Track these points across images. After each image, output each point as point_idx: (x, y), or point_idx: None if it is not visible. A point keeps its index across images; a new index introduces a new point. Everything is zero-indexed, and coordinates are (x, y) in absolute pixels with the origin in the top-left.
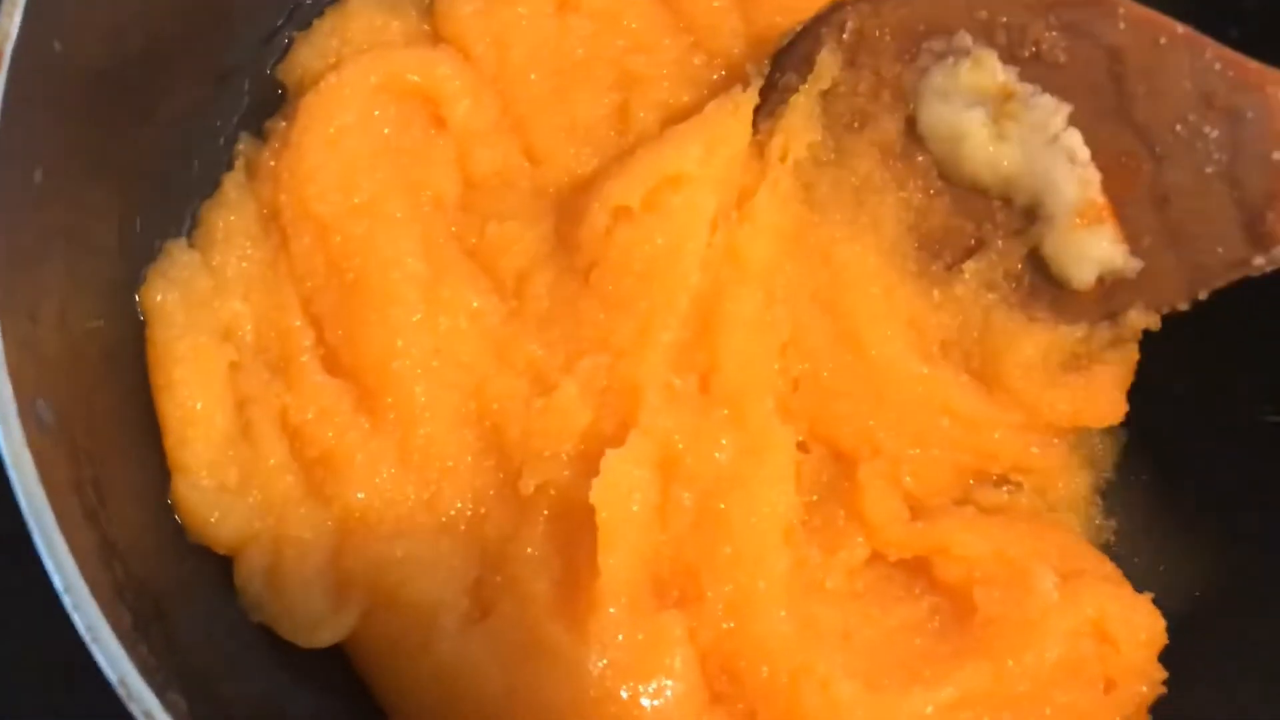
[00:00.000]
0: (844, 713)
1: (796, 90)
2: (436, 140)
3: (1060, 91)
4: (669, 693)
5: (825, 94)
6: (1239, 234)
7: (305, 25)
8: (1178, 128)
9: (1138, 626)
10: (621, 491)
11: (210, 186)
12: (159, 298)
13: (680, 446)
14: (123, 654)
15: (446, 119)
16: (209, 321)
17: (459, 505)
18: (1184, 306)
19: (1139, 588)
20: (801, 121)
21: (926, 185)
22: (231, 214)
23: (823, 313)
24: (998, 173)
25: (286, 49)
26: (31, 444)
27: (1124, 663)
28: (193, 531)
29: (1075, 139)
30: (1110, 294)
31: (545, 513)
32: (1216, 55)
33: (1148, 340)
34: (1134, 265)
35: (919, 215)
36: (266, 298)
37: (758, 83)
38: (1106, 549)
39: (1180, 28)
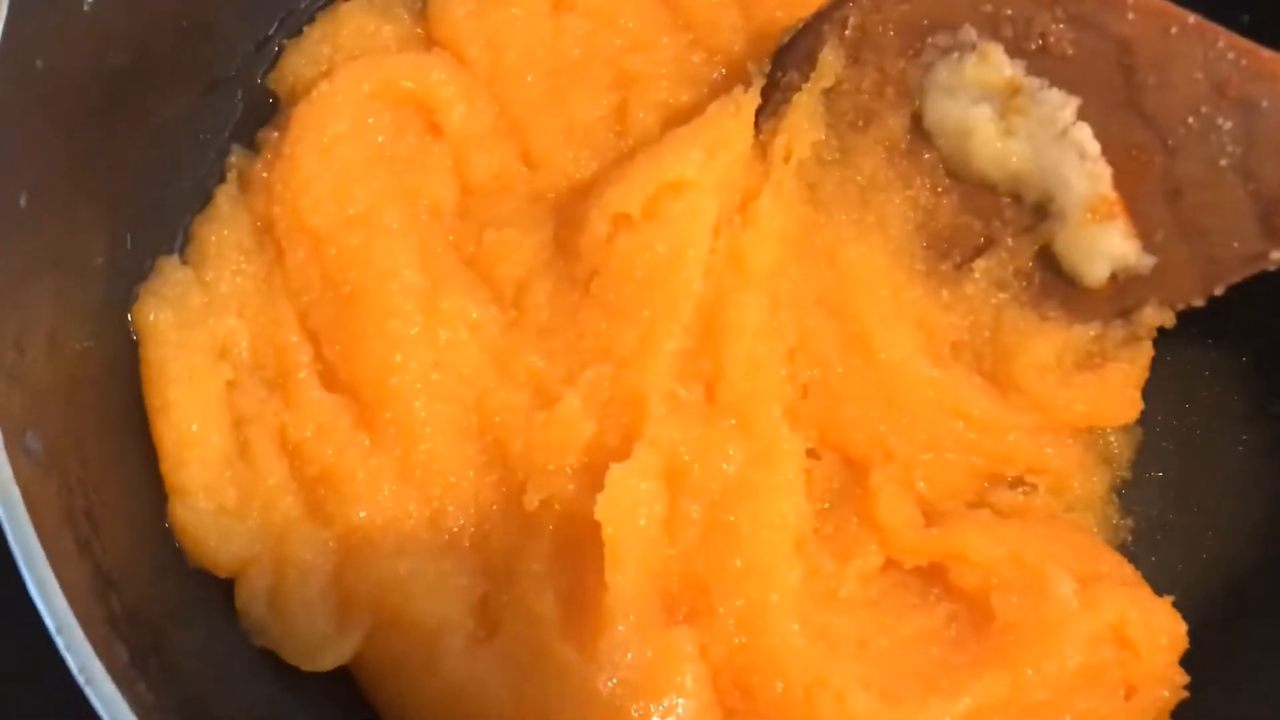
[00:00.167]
0: None
1: (799, 89)
2: (432, 147)
3: (1069, 85)
4: (681, 710)
5: (828, 92)
6: (1254, 227)
7: (297, 32)
8: (1190, 120)
9: (1158, 631)
10: (627, 506)
11: (202, 200)
12: (152, 316)
13: (687, 458)
14: (118, 695)
15: (442, 125)
16: (204, 339)
17: (462, 522)
18: (1199, 302)
19: (1157, 587)
20: (805, 121)
21: (934, 183)
22: (224, 228)
23: (830, 316)
24: (1006, 169)
25: (277, 57)
26: (20, 479)
27: (1144, 668)
28: (192, 555)
29: (1085, 133)
30: (1123, 291)
31: (550, 528)
32: (1229, 44)
33: (1162, 336)
34: (1147, 261)
35: (926, 214)
36: (262, 313)
37: (759, 82)
38: (1124, 548)
39: (1191, 17)
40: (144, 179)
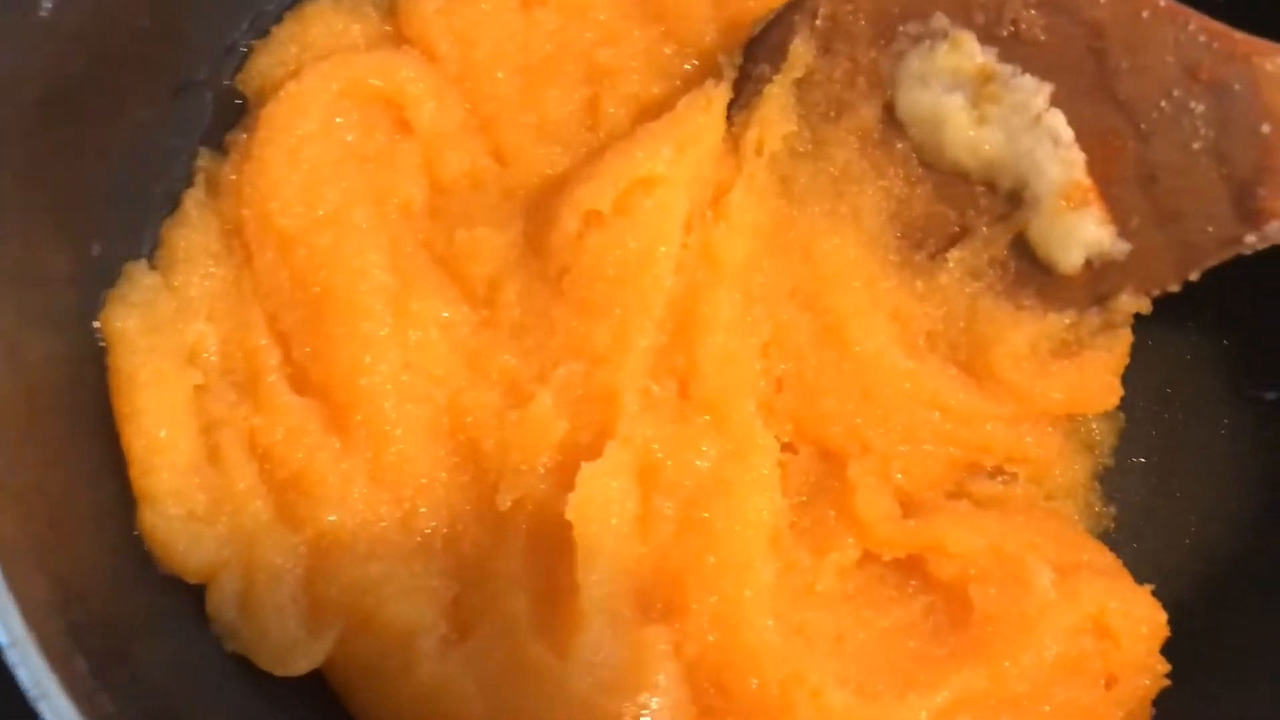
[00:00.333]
0: None
1: (770, 80)
2: (402, 145)
3: (1041, 71)
4: (655, 708)
5: (800, 83)
6: (1229, 211)
7: (265, 34)
8: (1163, 103)
9: (1138, 620)
10: (599, 505)
11: (172, 205)
12: (119, 323)
13: (660, 454)
14: (72, 709)
15: (411, 122)
16: (172, 345)
17: (434, 523)
18: (1175, 288)
19: (1140, 574)
20: (776, 113)
21: (907, 173)
22: (193, 232)
23: (804, 309)
24: (980, 157)
25: (245, 59)
26: None
27: (1125, 658)
28: (162, 561)
29: (1058, 119)
30: (1099, 278)
31: (523, 528)
32: (1201, 27)
33: (1141, 322)
34: (1122, 247)
35: (900, 204)
36: (231, 317)
37: (730, 74)
38: (1106, 536)
39: (1162, 0)
40: (110, 186)
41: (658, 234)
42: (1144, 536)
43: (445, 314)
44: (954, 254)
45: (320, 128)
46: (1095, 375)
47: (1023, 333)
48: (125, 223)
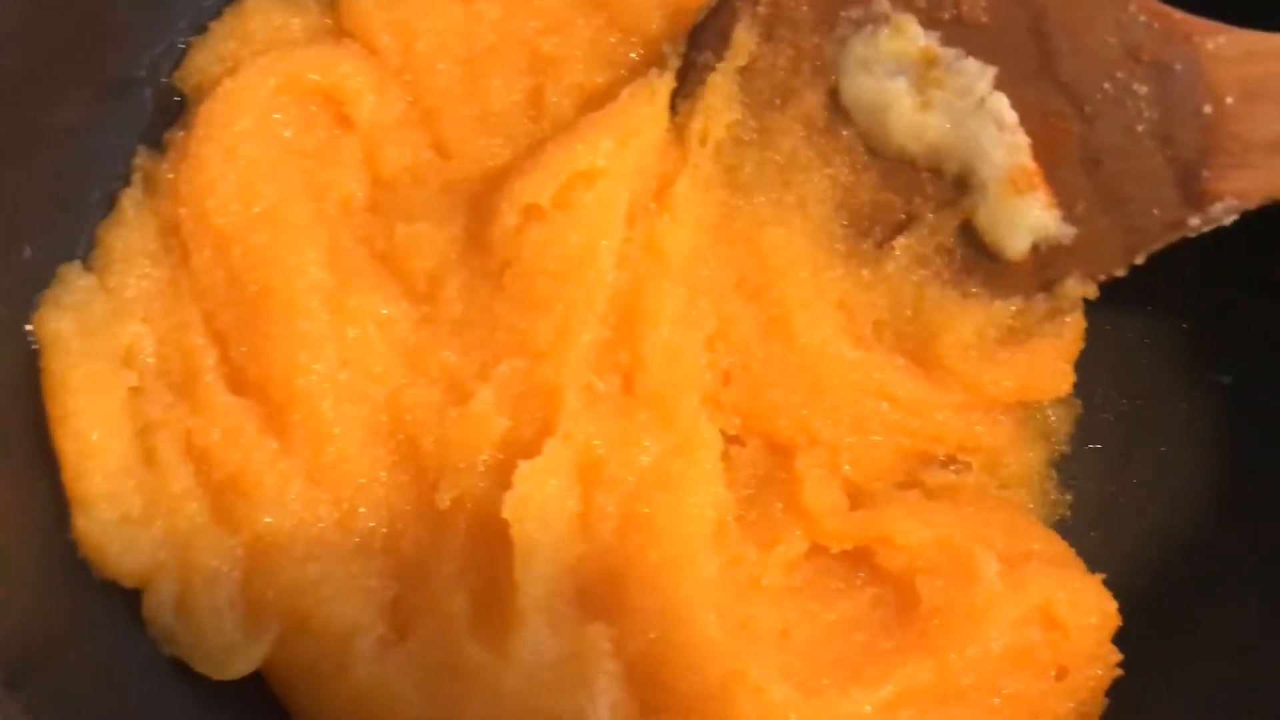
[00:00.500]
0: (778, 718)
1: (714, 69)
2: (342, 140)
3: (984, 54)
4: (596, 707)
5: (744, 71)
6: (1174, 194)
7: (204, 29)
8: (1106, 86)
9: (1087, 611)
10: (537, 504)
11: (109, 205)
12: (52, 326)
13: (601, 451)
14: None
15: (351, 117)
16: (107, 347)
17: (373, 523)
18: (1122, 272)
19: (1096, 563)
20: (720, 101)
21: (853, 160)
22: (130, 232)
23: (749, 301)
24: (925, 142)
25: (183, 55)
26: None
27: (1075, 648)
28: (97, 566)
29: (1002, 103)
30: (1045, 263)
31: (463, 527)
32: (1141, 7)
33: (1097, 307)
34: (1068, 232)
35: (847, 192)
36: (168, 317)
37: (674, 63)
38: (1062, 524)
39: None
40: (43, 187)
41: (599, 227)
42: (1101, 524)
43: (384, 311)
44: (901, 241)
45: (258, 124)
46: (1046, 362)
47: (969, 320)
48: (59, 224)
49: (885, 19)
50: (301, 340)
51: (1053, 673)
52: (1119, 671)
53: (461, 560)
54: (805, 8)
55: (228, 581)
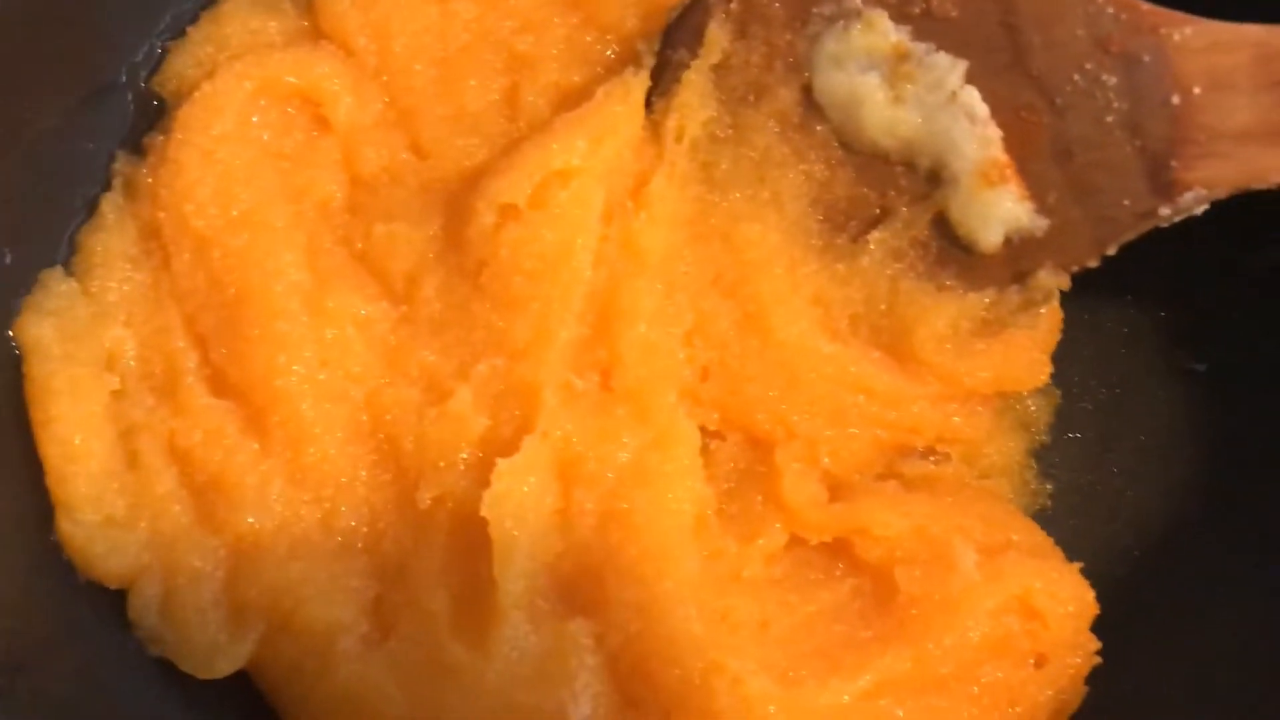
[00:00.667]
0: (757, 710)
1: (688, 66)
2: (320, 142)
3: (955, 48)
4: (578, 701)
5: (718, 68)
6: (1144, 184)
7: (183, 34)
8: (1075, 77)
9: (1065, 599)
10: (515, 501)
11: (90, 210)
12: (34, 331)
13: (579, 448)
14: None
15: (329, 119)
16: (89, 351)
17: (354, 523)
18: (1094, 263)
19: (1078, 551)
20: (695, 99)
21: (828, 155)
22: (111, 237)
23: (726, 297)
24: (898, 136)
25: (161, 60)
26: None
27: (1053, 637)
28: (81, 568)
29: (973, 96)
30: (1018, 255)
31: (444, 526)
32: None
33: (1075, 297)
34: (1041, 223)
35: (821, 187)
36: (148, 321)
37: (649, 61)
38: (1042, 513)
39: None
40: (23, 192)
41: (575, 226)
42: (1081, 512)
43: (363, 311)
44: (875, 236)
45: (236, 127)
46: (1021, 353)
47: (944, 313)
48: (40, 229)
49: (857, 15)
50: (281, 341)
51: (1031, 661)
52: (1098, 660)
53: (442, 559)
54: (777, 4)
55: (211, 582)
